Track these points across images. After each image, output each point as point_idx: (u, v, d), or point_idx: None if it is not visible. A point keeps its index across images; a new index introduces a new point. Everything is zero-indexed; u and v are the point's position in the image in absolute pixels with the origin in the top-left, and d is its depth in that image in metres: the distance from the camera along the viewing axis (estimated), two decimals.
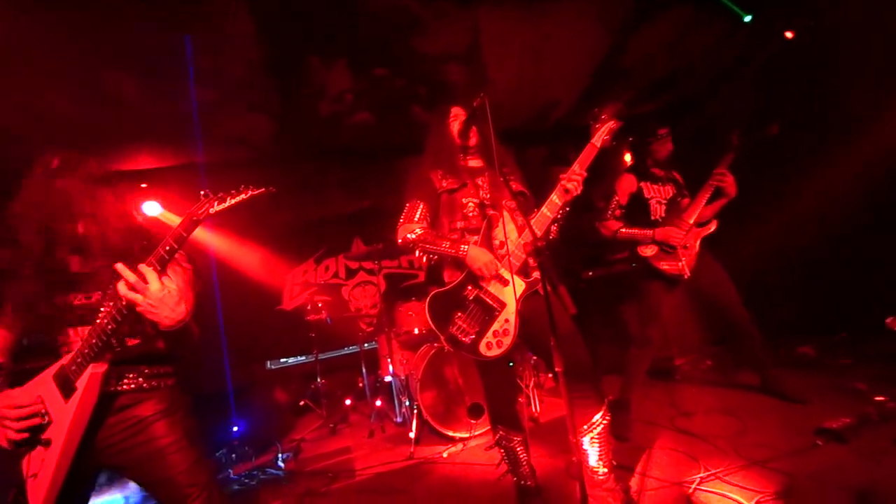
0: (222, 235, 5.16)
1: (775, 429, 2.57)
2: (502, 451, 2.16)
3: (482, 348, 1.94)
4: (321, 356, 4.68)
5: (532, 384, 3.63)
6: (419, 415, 3.41)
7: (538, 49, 3.33)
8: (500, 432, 2.13)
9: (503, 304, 1.97)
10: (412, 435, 3.34)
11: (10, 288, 1.49)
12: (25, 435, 1.42)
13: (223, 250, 5.19)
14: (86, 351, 1.38)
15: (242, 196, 1.32)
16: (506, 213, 2.07)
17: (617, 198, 2.98)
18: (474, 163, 2.22)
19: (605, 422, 1.93)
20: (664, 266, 2.84)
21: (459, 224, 2.09)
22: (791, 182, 4.02)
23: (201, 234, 4.85)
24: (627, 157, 5.25)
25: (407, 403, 3.88)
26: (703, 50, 3.95)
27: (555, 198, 1.98)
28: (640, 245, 2.88)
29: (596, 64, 3.68)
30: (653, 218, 2.93)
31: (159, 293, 1.30)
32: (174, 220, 4.45)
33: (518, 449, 2.12)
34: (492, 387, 2.12)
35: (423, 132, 2.30)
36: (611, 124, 1.99)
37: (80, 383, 1.39)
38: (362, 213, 5.79)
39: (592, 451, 1.94)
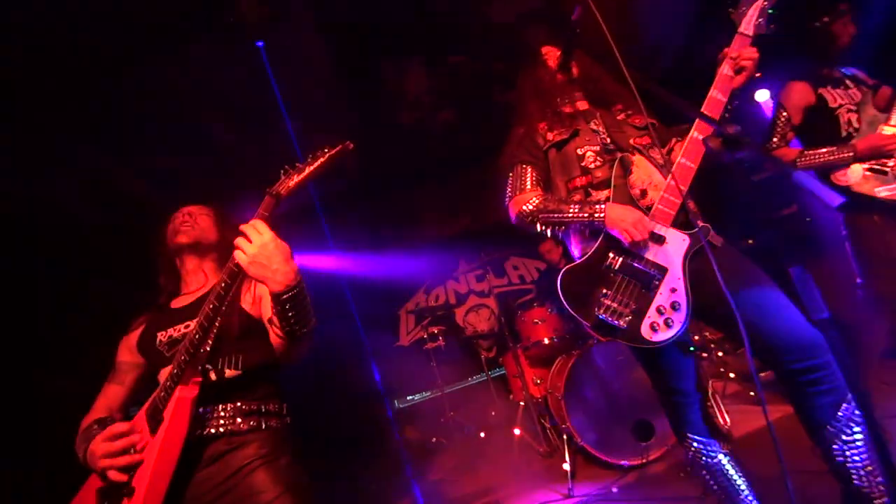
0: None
1: None
2: (704, 472, 1.54)
3: (645, 332, 1.41)
4: (447, 389, 4.36)
5: (710, 391, 2.87)
6: (570, 442, 2.85)
7: None
8: (694, 445, 1.53)
9: (663, 270, 1.44)
10: (566, 467, 2.78)
11: (125, 338, 1.49)
12: (122, 477, 1.20)
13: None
14: (174, 371, 1.22)
15: (321, 160, 1.19)
16: (638, 156, 1.59)
17: (786, 114, 2.24)
18: (581, 104, 1.79)
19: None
20: (881, 192, 2.02)
21: (580, 182, 1.64)
22: None
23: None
24: (761, 96, 4.32)
25: (551, 429, 3.33)
26: None
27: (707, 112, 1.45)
28: (835, 171, 2.10)
29: None
30: (843, 133, 2.14)
31: (272, 242, 1.14)
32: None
33: (727, 466, 1.50)
34: (665, 382, 1.56)
35: (509, 109, 1.96)
36: (759, 4, 1.48)
37: (167, 412, 1.19)
38: (462, 233, 5.55)
39: (851, 466, 1.30)
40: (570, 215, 1.55)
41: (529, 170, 1.73)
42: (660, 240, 1.46)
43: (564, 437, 2.90)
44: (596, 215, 1.49)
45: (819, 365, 1.33)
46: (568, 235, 1.68)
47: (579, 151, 1.66)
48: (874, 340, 2.14)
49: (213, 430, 1.27)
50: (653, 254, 1.46)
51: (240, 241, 1.15)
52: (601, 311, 1.43)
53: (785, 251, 3.45)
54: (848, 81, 2.22)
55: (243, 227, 1.16)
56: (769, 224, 3.58)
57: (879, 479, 1.30)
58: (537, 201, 1.64)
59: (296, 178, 1.19)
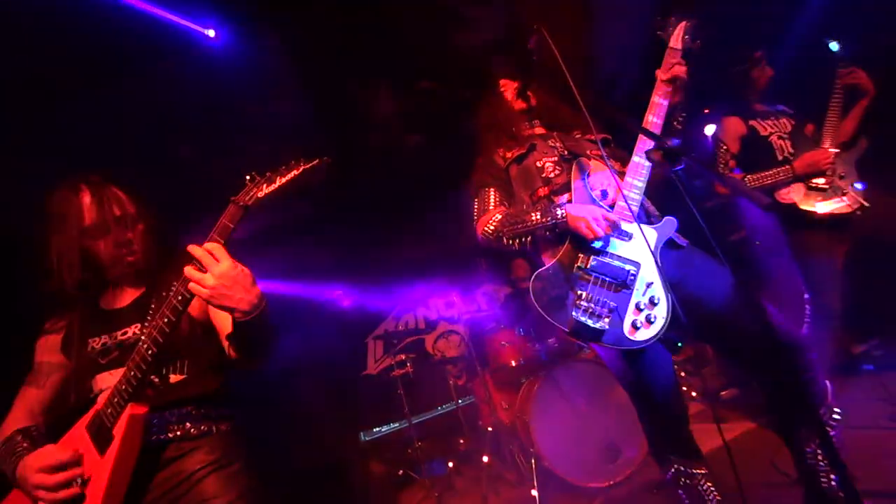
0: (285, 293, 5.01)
1: None
2: (682, 492, 1.52)
3: (627, 331, 1.40)
4: (415, 419, 4.23)
5: None
6: (538, 467, 2.78)
7: (584, 12, 3.00)
8: (675, 465, 1.52)
9: (637, 264, 1.46)
10: (535, 493, 2.71)
11: (43, 337, 1.35)
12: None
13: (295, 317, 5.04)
14: (123, 387, 1.13)
15: (294, 172, 1.08)
16: (595, 160, 1.67)
17: (725, 145, 2.41)
18: (539, 130, 1.87)
19: (837, 417, 1.31)
20: (823, 208, 2.16)
21: (542, 191, 1.69)
22: None
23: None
24: (710, 130, 4.60)
25: (519, 454, 3.25)
26: None
27: (651, 117, 1.55)
28: (778, 190, 2.24)
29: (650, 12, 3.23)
30: (780, 157, 2.31)
31: (232, 271, 1.05)
32: None
33: (705, 487, 1.49)
34: (645, 395, 1.54)
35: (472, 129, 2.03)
36: (683, 23, 1.63)
37: (118, 430, 1.12)
38: (431, 259, 5.52)
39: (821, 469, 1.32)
40: (533, 221, 1.56)
41: (492, 191, 1.77)
42: (627, 236, 1.48)
43: (533, 461, 2.83)
44: (557, 216, 1.52)
45: (805, 365, 1.36)
46: (536, 246, 1.68)
47: (538, 164, 1.72)
48: (825, 351, 2.22)
49: (161, 437, 1.20)
50: (622, 250, 1.48)
51: (193, 272, 1.04)
52: (579, 313, 1.40)
53: (738, 272, 3.58)
54: (777, 113, 2.44)
55: (196, 253, 1.05)
56: (722, 247, 3.73)
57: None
58: (500, 217, 1.67)
59: (265, 189, 1.08)
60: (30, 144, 2.30)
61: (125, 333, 1.29)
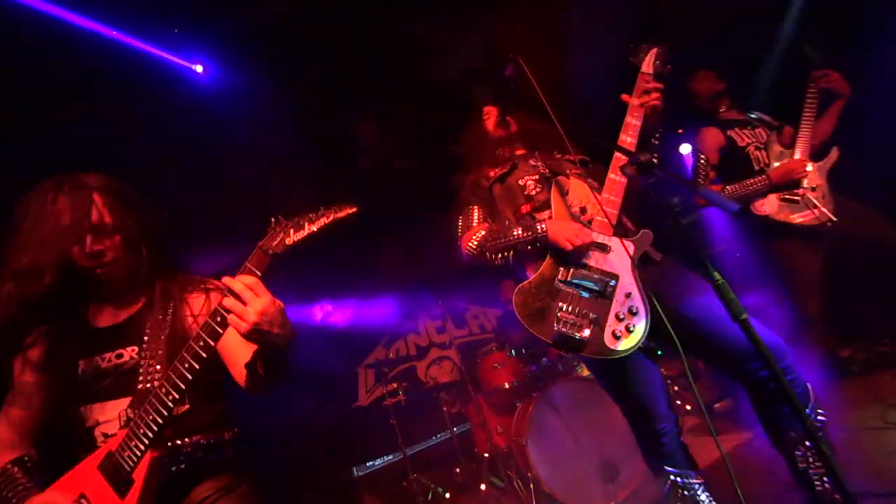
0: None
1: None
2: None
3: (608, 340, 1.42)
4: (410, 451, 4.11)
5: None
6: (537, 491, 2.73)
7: (556, 38, 3.14)
8: (671, 477, 1.51)
9: (614, 276, 1.49)
10: None
11: (22, 354, 1.24)
12: None
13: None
14: (141, 431, 1.08)
15: (324, 220, 1.06)
16: (574, 179, 1.73)
17: (704, 157, 2.50)
18: (519, 151, 1.94)
19: (822, 418, 1.33)
20: (796, 219, 2.23)
21: (525, 208, 1.74)
22: None
23: None
24: (685, 149, 4.75)
25: (517, 479, 3.18)
26: None
27: (625, 137, 1.62)
28: (755, 201, 2.32)
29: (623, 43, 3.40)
30: (756, 168, 2.40)
31: (272, 307, 1.02)
32: None
33: (703, 496, 1.49)
34: (639, 406, 1.55)
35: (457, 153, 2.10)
36: (654, 49, 1.71)
37: (138, 474, 1.08)
38: (420, 284, 5.50)
39: (813, 472, 1.33)
40: (515, 236, 1.62)
41: (476, 209, 1.82)
42: (605, 249, 1.53)
43: (531, 486, 2.78)
44: (538, 232, 1.56)
45: (786, 368, 1.39)
46: (520, 262, 1.72)
47: (520, 182, 1.78)
48: (804, 359, 2.25)
49: (173, 468, 1.17)
50: (601, 262, 1.52)
51: (233, 304, 1.01)
52: (560, 325, 1.43)
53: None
54: (754, 123, 2.54)
55: (236, 287, 1.01)
56: (703, 262, 3.81)
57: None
58: (483, 233, 1.72)
59: (293, 236, 1.04)
60: (16, 170, 2.28)
61: (120, 356, 1.23)
